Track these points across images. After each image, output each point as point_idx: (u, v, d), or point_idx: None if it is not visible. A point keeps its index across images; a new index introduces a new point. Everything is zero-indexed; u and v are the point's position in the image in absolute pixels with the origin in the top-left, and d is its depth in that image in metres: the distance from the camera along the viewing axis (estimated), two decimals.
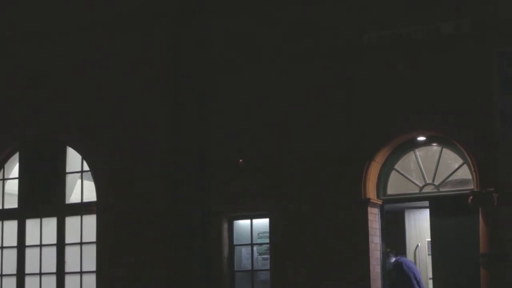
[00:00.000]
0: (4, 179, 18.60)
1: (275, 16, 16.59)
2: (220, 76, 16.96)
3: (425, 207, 16.44)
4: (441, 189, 15.44)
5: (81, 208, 17.67)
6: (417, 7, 15.38)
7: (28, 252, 18.06)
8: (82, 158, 17.77)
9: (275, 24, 16.57)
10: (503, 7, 14.79)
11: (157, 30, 17.17)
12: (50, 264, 17.80)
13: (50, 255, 17.83)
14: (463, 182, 15.28)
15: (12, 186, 18.54)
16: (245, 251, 16.79)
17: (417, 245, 18.47)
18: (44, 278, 17.85)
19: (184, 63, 17.13)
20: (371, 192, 15.64)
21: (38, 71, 18.00)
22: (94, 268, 17.26)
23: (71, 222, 17.76)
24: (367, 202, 15.51)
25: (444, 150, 15.43)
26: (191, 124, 16.94)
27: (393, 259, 16.64)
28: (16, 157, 18.49)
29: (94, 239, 17.30)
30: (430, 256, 16.57)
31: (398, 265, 16.57)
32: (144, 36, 17.21)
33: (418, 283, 16.59)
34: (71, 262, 17.66)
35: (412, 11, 15.40)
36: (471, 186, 14.92)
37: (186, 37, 17.21)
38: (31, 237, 18.08)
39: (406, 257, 17.53)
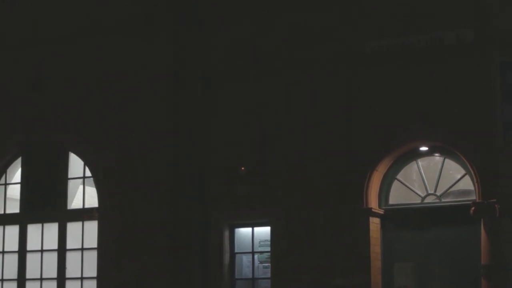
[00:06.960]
0: (6, 184, 18.60)
1: (275, 24, 16.59)
2: (220, 84, 16.94)
3: None
4: (443, 200, 15.39)
5: (83, 214, 17.69)
6: (419, 17, 15.36)
7: (29, 257, 18.07)
8: (84, 164, 17.79)
9: (275, 32, 16.57)
10: (505, 18, 14.77)
11: (159, 36, 17.19)
12: (51, 270, 17.80)
13: (51, 260, 17.83)
14: (465, 192, 15.24)
15: (14, 191, 18.55)
16: (246, 259, 16.76)
17: None
18: (44, 283, 17.86)
19: (185, 69, 17.12)
20: (373, 201, 15.60)
21: (39, 76, 18.03)
22: (94, 274, 17.27)
23: (73, 228, 17.77)
24: (368, 212, 15.47)
25: (447, 160, 15.39)
26: (192, 131, 16.92)
27: None
28: (18, 162, 18.52)
29: (95, 245, 17.32)
30: None
31: None
32: (146, 42, 17.25)
33: None
34: (72, 267, 17.66)
35: (415, 21, 15.37)
36: (473, 197, 14.88)
37: (187, 43, 17.20)
38: (32, 242, 18.10)
39: None
